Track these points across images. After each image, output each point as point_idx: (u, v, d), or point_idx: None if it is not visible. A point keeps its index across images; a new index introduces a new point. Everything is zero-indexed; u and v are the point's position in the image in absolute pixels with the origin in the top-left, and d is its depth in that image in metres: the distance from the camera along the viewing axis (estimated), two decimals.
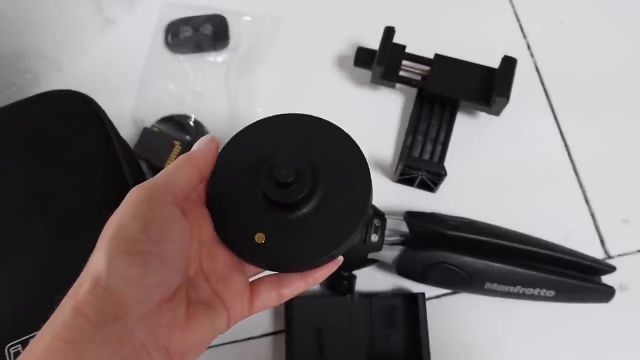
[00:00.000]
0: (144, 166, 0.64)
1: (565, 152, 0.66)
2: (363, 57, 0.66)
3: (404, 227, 0.58)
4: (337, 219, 0.38)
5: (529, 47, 0.71)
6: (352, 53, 0.67)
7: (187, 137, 0.65)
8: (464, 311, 0.60)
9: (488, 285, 0.56)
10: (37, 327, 0.44)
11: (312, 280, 0.39)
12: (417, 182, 0.63)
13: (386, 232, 0.57)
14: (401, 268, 0.58)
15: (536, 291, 0.56)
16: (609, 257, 0.62)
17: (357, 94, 0.69)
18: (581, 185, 0.65)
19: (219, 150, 0.41)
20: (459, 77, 0.64)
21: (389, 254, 0.57)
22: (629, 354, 0.59)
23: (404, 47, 0.65)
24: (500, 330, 0.60)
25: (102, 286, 0.30)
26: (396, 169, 0.63)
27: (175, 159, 0.62)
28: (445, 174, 0.60)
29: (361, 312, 0.58)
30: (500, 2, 0.74)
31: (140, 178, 0.56)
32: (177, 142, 0.64)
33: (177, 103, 0.69)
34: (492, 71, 0.63)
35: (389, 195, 0.64)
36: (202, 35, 0.71)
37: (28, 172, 0.50)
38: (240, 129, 0.42)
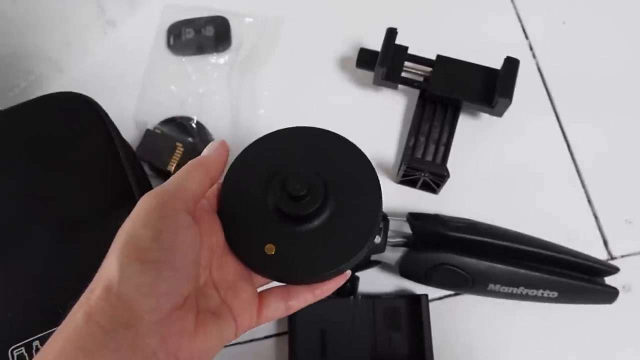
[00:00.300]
0: (146, 168, 0.64)
1: (568, 153, 0.66)
2: (365, 59, 0.66)
3: (406, 229, 0.58)
4: (347, 233, 0.39)
5: (531, 48, 0.71)
6: (354, 54, 0.67)
7: (190, 139, 0.65)
8: (467, 312, 0.60)
9: (491, 286, 0.56)
10: (40, 330, 0.45)
11: (320, 293, 0.40)
12: (419, 183, 0.63)
13: (389, 233, 0.57)
14: (404, 269, 0.57)
15: (539, 292, 0.56)
16: (612, 258, 0.62)
17: (360, 95, 0.69)
18: (584, 186, 0.65)
19: (232, 160, 0.42)
20: (461, 78, 0.64)
21: (392, 255, 0.57)
22: (632, 355, 0.59)
23: (406, 48, 0.65)
24: (503, 332, 0.60)
25: (114, 293, 0.31)
26: (399, 170, 0.63)
27: (178, 160, 0.63)
28: (447, 175, 0.60)
29: (364, 313, 0.58)
30: (502, 2, 0.74)
31: (142, 180, 0.56)
32: (179, 144, 0.64)
33: (179, 105, 0.69)
34: (494, 72, 0.63)
35: (392, 196, 0.64)
36: (204, 37, 0.71)
37: (30, 175, 0.50)
38: (253, 140, 0.43)
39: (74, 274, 0.46)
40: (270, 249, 0.38)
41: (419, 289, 0.60)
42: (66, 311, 0.32)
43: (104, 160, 0.52)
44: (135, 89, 0.69)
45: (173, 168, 0.63)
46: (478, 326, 0.60)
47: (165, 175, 0.64)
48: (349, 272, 0.40)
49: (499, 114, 0.63)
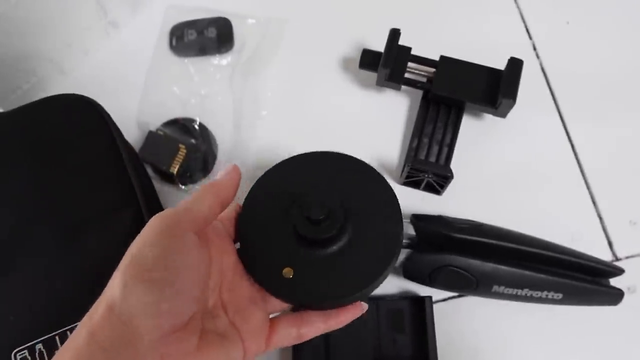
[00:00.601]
0: (149, 169, 0.64)
1: (572, 154, 0.66)
2: (368, 60, 0.66)
3: (410, 230, 0.57)
4: (367, 258, 0.39)
5: (534, 48, 0.71)
6: (357, 55, 0.67)
7: (192, 140, 0.65)
8: (471, 314, 0.60)
9: (495, 288, 0.56)
10: (44, 333, 0.45)
11: (334, 324, 0.40)
12: (423, 184, 0.63)
13: None
14: (408, 271, 0.57)
15: (544, 294, 0.56)
16: (617, 259, 0.62)
17: (363, 96, 0.69)
18: (588, 187, 0.65)
19: (245, 182, 0.42)
20: (464, 79, 0.63)
21: None
22: (638, 357, 0.59)
23: (409, 49, 0.65)
24: (507, 334, 0.60)
25: (115, 312, 0.31)
26: (402, 171, 0.63)
27: (180, 162, 0.63)
28: (451, 176, 0.59)
29: (368, 315, 0.57)
30: (505, 3, 0.74)
31: (145, 182, 0.56)
32: (182, 146, 0.64)
33: (182, 106, 0.68)
34: (498, 73, 0.63)
35: None
36: (207, 38, 0.71)
37: (34, 177, 0.50)
38: (271, 166, 0.44)
39: (77, 276, 0.47)
40: (288, 272, 0.39)
41: (422, 290, 0.60)
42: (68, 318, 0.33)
43: (107, 162, 0.52)
44: (138, 90, 0.69)
45: (176, 169, 0.63)
46: (482, 328, 0.60)
47: (168, 176, 0.64)
48: (366, 306, 0.40)
49: (503, 114, 0.63)
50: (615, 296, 0.57)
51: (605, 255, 0.62)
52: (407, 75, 0.65)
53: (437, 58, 0.64)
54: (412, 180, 0.63)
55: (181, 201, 0.37)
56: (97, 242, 0.47)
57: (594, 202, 0.64)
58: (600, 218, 0.63)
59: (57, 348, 0.43)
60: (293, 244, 0.40)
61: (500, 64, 0.62)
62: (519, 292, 0.56)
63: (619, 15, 0.73)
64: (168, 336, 0.32)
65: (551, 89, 0.69)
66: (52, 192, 0.50)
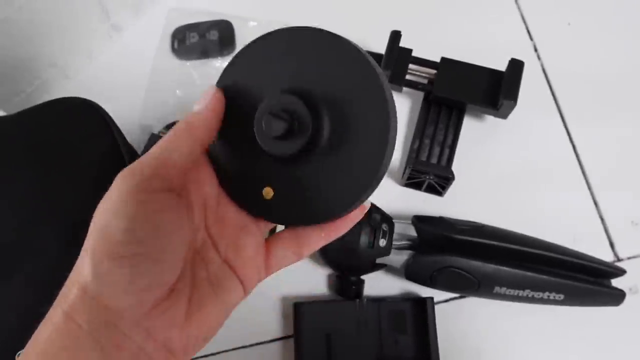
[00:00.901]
0: None
1: (574, 154, 0.66)
2: None
3: (412, 232, 0.58)
4: (354, 161, 0.32)
5: (535, 50, 0.71)
6: None
7: None
8: (472, 315, 0.60)
9: (497, 289, 0.56)
10: None
11: (334, 234, 0.35)
12: (424, 186, 0.63)
13: (394, 236, 0.57)
14: (410, 272, 0.57)
15: (545, 295, 0.56)
16: (619, 259, 0.62)
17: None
18: (590, 188, 0.65)
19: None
20: (465, 80, 0.64)
21: (398, 258, 0.57)
22: (639, 357, 0.59)
23: (410, 50, 0.65)
24: (509, 334, 0.60)
25: (89, 294, 0.28)
26: (404, 172, 0.63)
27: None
28: (453, 178, 0.59)
29: (370, 316, 0.58)
30: (506, 4, 0.74)
31: None
32: None
33: (184, 109, 0.69)
34: (499, 74, 0.63)
35: (397, 199, 0.64)
36: (209, 41, 0.71)
37: (37, 179, 0.50)
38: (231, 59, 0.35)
39: None
40: (268, 193, 0.34)
41: (424, 291, 0.60)
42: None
43: (109, 165, 0.52)
44: (140, 93, 0.70)
45: None
46: (484, 329, 0.60)
47: None
48: (367, 205, 0.34)
49: (504, 116, 0.63)
50: (616, 297, 0.57)
51: (606, 256, 0.62)
52: (408, 77, 0.65)
53: (438, 60, 0.64)
54: (413, 182, 0.63)
55: (153, 147, 0.31)
56: None
57: (595, 203, 0.64)
58: (602, 219, 0.63)
59: None
60: (267, 160, 0.33)
61: (501, 66, 0.62)
62: (521, 293, 0.56)
63: (620, 16, 0.73)
64: (152, 310, 0.30)
65: (552, 90, 0.69)
66: (55, 195, 0.50)
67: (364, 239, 0.55)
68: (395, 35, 0.64)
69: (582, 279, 0.56)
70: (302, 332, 0.57)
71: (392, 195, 0.65)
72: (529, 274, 0.55)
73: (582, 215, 0.64)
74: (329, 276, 0.62)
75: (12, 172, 0.50)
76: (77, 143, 0.52)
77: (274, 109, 0.31)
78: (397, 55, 0.64)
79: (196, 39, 0.71)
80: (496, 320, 0.60)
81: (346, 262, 0.58)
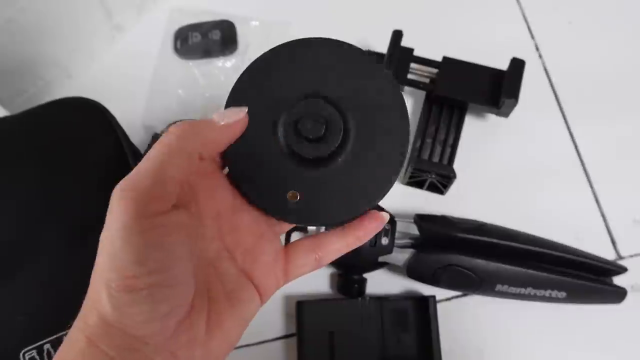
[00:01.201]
0: None
1: (575, 153, 0.66)
2: None
3: (414, 230, 0.58)
4: (375, 163, 0.35)
5: (537, 49, 0.71)
6: None
7: None
8: (475, 313, 0.60)
9: (499, 287, 0.56)
10: (51, 333, 0.45)
11: (353, 242, 0.36)
12: (426, 184, 0.63)
13: (396, 235, 0.57)
14: (412, 271, 0.58)
15: (547, 293, 0.56)
16: (620, 257, 0.62)
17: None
18: (591, 186, 0.65)
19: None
20: (467, 80, 0.64)
21: (400, 256, 0.57)
22: None
23: (411, 50, 0.65)
24: (511, 332, 0.60)
25: (110, 322, 0.28)
26: (405, 171, 0.63)
27: None
28: (454, 176, 0.60)
29: (372, 315, 0.58)
30: (507, 3, 0.74)
31: None
32: None
33: (187, 108, 0.69)
34: (500, 73, 0.63)
35: (399, 198, 0.65)
36: (211, 40, 0.71)
37: (41, 179, 0.50)
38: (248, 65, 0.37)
39: (84, 276, 0.47)
40: (293, 196, 0.34)
41: (426, 290, 0.60)
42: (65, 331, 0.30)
43: (113, 165, 0.52)
44: (143, 93, 0.70)
45: None
46: (486, 327, 0.60)
47: None
48: (387, 217, 0.36)
49: (506, 114, 0.63)
50: (618, 294, 0.57)
51: (608, 254, 0.62)
52: (409, 76, 0.65)
53: (439, 59, 0.64)
54: (415, 181, 0.63)
55: (142, 163, 0.29)
56: None
57: (597, 201, 0.64)
58: (604, 217, 0.64)
59: None
60: (291, 162, 0.34)
61: (503, 65, 0.63)
62: (523, 290, 0.56)
63: (621, 15, 0.73)
64: (175, 332, 0.29)
65: (554, 88, 0.69)
66: (59, 195, 0.50)
67: None
68: (397, 35, 0.64)
69: (584, 277, 0.57)
70: (305, 331, 0.57)
71: (394, 194, 0.63)
72: (531, 271, 0.56)
73: (583, 213, 0.64)
74: (332, 275, 0.62)
75: (16, 171, 0.50)
76: (80, 143, 0.52)
77: (310, 113, 0.33)
78: (398, 55, 0.64)
79: (199, 39, 0.71)
80: (498, 318, 0.60)
81: (348, 261, 0.57)
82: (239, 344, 0.59)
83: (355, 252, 0.55)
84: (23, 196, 0.50)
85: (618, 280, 0.58)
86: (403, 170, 0.65)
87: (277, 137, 0.34)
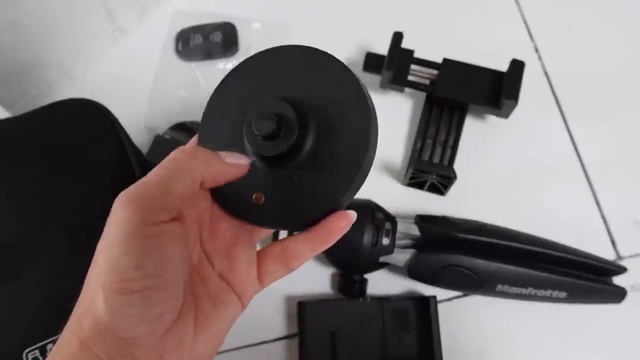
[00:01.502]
0: None
1: (575, 154, 0.67)
2: (372, 62, 0.66)
3: (415, 231, 0.58)
4: (339, 162, 0.34)
5: (536, 50, 0.72)
6: (360, 58, 0.67)
7: None
8: (475, 313, 0.61)
9: (499, 287, 0.56)
10: (54, 333, 0.45)
11: (321, 245, 0.35)
12: (427, 185, 0.63)
13: (397, 235, 0.57)
14: (413, 271, 0.58)
15: (548, 293, 0.57)
16: (620, 258, 0.62)
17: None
18: (591, 187, 0.65)
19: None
20: (467, 81, 0.64)
21: (401, 257, 0.57)
22: None
23: (412, 51, 0.65)
24: (512, 332, 0.60)
25: (104, 326, 0.29)
26: (406, 172, 0.64)
27: None
28: (455, 177, 0.60)
29: (373, 315, 0.58)
30: (507, 5, 0.74)
31: None
32: None
33: (189, 110, 0.69)
34: (500, 74, 0.63)
35: (399, 198, 0.65)
36: (212, 42, 0.72)
37: (44, 181, 0.50)
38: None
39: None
40: (258, 198, 0.35)
41: (427, 290, 0.60)
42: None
43: (115, 166, 0.52)
44: (145, 95, 0.70)
45: None
46: (487, 327, 0.60)
47: None
48: (354, 216, 0.35)
49: (506, 115, 0.64)
50: (618, 295, 0.57)
51: (608, 254, 0.62)
52: (410, 77, 0.65)
53: (440, 60, 0.65)
54: (416, 182, 0.64)
55: (152, 174, 0.31)
56: None
57: (597, 202, 0.64)
58: (604, 217, 0.64)
59: None
60: (258, 163, 0.35)
61: (503, 66, 0.63)
62: (523, 291, 0.56)
63: (620, 17, 0.73)
64: (164, 335, 0.30)
65: (553, 90, 0.70)
66: (62, 196, 0.50)
67: (367, 238, 0.56)
68: (398, 37, 0.65)
69: (584, 277, 0.57)
70: (306, 331, 0.58)
71: (394, 195, 0.65)
72: (532, 272, 0.56)
73: (583, 213, 0.64)
74: (333, 275, 0.62)
75: (19, 173, 0.50)
76: (83, 144, 0.53)
77: (263, 112, 0.33)
78: (399, 56, 0.64)
79: (200, 41, 0.72)
80: (499, 318, 0.60)
81: (350, 261, 0.58)
82: (240, 344, 0.60)
83: (356, 253, 0.56)
84: (25, 197, 0.50)
85: (618, 280, 0.58)
86: (403, 171, 0.65)
87: (244, 141, 0.35)
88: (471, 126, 0.67)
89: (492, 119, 0.67)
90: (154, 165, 0.63)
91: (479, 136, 0.67)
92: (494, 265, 0.56)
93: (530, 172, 0.66)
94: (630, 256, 0.62)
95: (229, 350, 0.60)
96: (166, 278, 0.30)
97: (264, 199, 0.35)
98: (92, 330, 0.29)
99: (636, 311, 0.59)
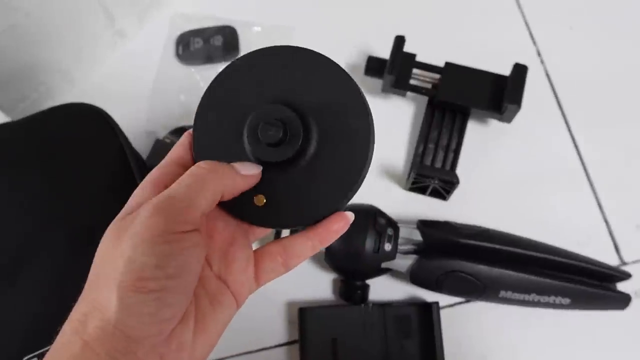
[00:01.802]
0: None
1: (578, 158, 0.66)
2: (374, 66, 0.66)
3: (417, 236, 0.58)
4: (340, 165, 0.35)
5: (539, 54, 0.71)
6: (362, 62, 0.67)
7: None
8: (478, 320, 0.60)
9: (503, 293, 0.56)
10: (53, 339, 0.45)
11: (319, 244, 0.36)
12: (429, 190, 0.63)
13: (399, 241, 0.57)
14: (415, 277, 0.57)
15: (551, 299, 0.56)
16: (624, 263, 0.62)
17: (368, 102, 0.69)
18: (594, 192, 0.65)
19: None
20: (469, 85, 0.64)
21: (403, 262, 0.57)
22: None
23: (414, 55, 0.65)
24: (515, 339, 0.59)
25: (112, 323, 0.29)
26: (408, 177, 0.63)
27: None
28: (457, 182, 0.60)
29: (375, 321, 0.58)
30: (509, 9, 0.74)
31: None
32: None
33: (189, 114, 0.69)
34: (502, 78, 0.63)
35: (401, 203, 0.64)
36: (213, 46, 0.71)
37: (43, 185, 0.50)
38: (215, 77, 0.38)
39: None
40: (259, 200, 0.35)
41: (429, 296, 0.60)
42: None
43: (115, 170, 0.52)
44: (145, 99, 0.70)
45: None
46: (490, 333, 0.60)
47: None
48: (351, 217, 0.36)
49: (508, 120, 0.63)
50: (622, 301, 0.57)
51: (612, 260, 0.62)
52: (412, 81, 0.65)
53: (442, 64, 0.65)
54: (418, 186, 0.63)
55: (181, 185, 0.32)
56: None
57: (600, 207, 0.64)
58: (607, 222, 0.63)
59: None
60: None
61: (505, 70, 0.63)
62: (526, 297, 0.56)
63: (622, 20, 0.73)
64: (168, 336, 0.31)
65: (556, 94, 0.69)
66: (62, 200, 0.50)
67: (369, 243, 0.55)
68: (400, 40, 0.64)
69: (587, 283, 0.56)
70: (308, 337, 0.57)
71: (396, 200, 0.65)
72: (535, 278, 0.55)
73: (587, 218, 0.64)
74: (334, 281, 0.62)
75: (19, 177, 0.50)
76: (83, 149, 0.52)
77: (268, 118, 0.34)
78: (401, 60, 0.64)
79: (200, 45, 0.71)
80: (502, 324, 0.60)
81: (351, 267, 0.58)
82: (241, 350, 0.60)
83: (358, 259, 0.56)
84: (25, 202, 0.50)
85: (622, 286, 0.58)
86: (405, 176, 0.65)
87: (243, 143, 0.35)
88: (473, 130, 0.67)
89: (495, 123, 0.67)
90: None
91: (481, 141, 0.67)
92: (496, 271, 0.55)
93: (533, 177, 0.65)
94: (634, 262, 0.62)
95: (229, 357, 0.59)
96: (183, 281, 0.31)
97: (264, 200, 0.35)
98: (98, 330, 0.29)
99: None
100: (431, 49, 0.66)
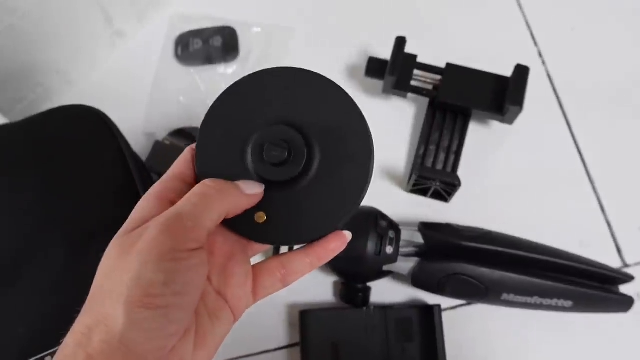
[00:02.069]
0: (155, 179, 0.64)
1: (580, 160, 0.66)
2: (374, 67, 0.66)
3: (418, 239, 0.57)
4: (340, 184, 0.36)
5: (540, 55, 0.71)
6: (363, 63, 0.67)
7: None
8: (480, 322, 0.60)
9: (505, 296, 0.56)
10: (52, 345, 0.44)
11: (317, 262, 0.38)
12: (430, 192, 0.63)
13: (401, 243, 0.57)
14: (416, 279, 0.57)
15: (554, 302, 0.56)
16: (626, 265, 0.62)
17: (369, 104, 0.69)
18: (596, 193, 0.64)
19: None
20: (471, 86, 0.63)
21: (404, 265, 0.57)
22: None
23: (415, 56, 0.65)
24: (517, 342, 0.59)
25: (118, 339, 0.29)
26: (409, 179, 0.63)
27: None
28: (459, 184, 0.59)
29: (377, 324, 0.57)
30: (510, 10, 0.74)
31: None
32: None
33: (188, 115, 0.69)
34: (504, 80, 0.63)
35: (402, 206, 0.64)
36: (212, 47, 0.71)
37: (42, 187, 0.50)
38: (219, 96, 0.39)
39: (85, 288, 0.46)
40: (260, 217, 0.36)
41: (431, 299, 0.60)
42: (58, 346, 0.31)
43: (114, 172, 0.52)
44: (144, 100, 0.70)
45: None
46: (492, 336, 0.59)
47: None
48: (349, 236, 0.37)
49: (510, 121, 0.63)
50: (625, 303, 0.56)
51: (614, 262, 0.62)
52: (413, 82, 0.65)
53: (443, 65, 0.64)
54: (419, 188, 0.63)
55: (187, 204, 0.33)
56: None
57: (602, 209, 0.64)
58: (609, 224, 0.63)
59: None
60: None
61: (507, 71, 0.62)
62: (529, 299, 0.56)
63: (624, 21, 0.73)
64: (171, 351, 0.31)
65: (557, 95, 0.69)
66: (60, 203, 0.50)
67: (370, 246, 0.55)
68: (400, 42, 0.64)
69: (590, 286, 0.56)
70: (309, 340, 0.57)
71: (397, 202, 0.64)
72: (537, 280, 0.55)
73: (588, 220, 0.64)
74: (335, 283, 0.62)
75: (18, 179, 0.50)
76: (82, 151, 0.52)
77: (274, 139, 0.35)
78: (402, 61, 0.64)
79: (200, 46, 0.71)
80: (504, 327, 0.60)
81: (353, 270, 0.57)
82: (242, 354, 0.59)
83: (360, 261, 0.55)
84: (24, 204, 0.49)
85: (624, 288, 0.58)
86: (407, 178, 0.65)
87: (246, 162, 0.36)
88: (475, 132, 0.66)
89: (496, 125, 0.66)
90: (153, 172, 0.63)
91: (483, 142, 0.67)
92: (499, 274, 0.55)
93: (534, 178, 0.65)
94: (636, 264, 0.62)
95: None
96: (188, 298, 0.31)
97: (265, 217, 0.36)
98: (103, 344, 0.29)
99: None
100: (432, 50, 0.66)
